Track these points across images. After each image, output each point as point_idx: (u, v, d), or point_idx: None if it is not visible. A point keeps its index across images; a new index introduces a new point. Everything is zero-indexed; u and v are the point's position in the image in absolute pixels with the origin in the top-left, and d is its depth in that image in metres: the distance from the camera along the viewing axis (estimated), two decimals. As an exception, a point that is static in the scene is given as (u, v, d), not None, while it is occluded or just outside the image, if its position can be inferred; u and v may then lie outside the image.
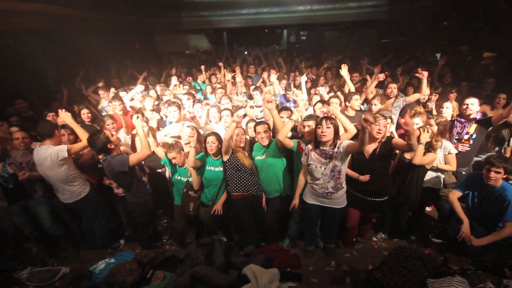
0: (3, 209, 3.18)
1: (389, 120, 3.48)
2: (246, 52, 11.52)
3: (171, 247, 3.62)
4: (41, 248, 3.36)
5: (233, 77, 5.80)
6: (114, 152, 2.99)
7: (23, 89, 5.88)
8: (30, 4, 5.75)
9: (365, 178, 2.81)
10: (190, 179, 3.20)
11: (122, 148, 3.41)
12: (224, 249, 2.49)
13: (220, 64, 6.89)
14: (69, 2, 6.84)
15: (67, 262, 3.10)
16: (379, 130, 2.70)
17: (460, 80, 5.90)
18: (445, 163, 3.22)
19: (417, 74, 4.13)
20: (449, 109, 3.87)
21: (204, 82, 6.49)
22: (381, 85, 5.02)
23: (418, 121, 3.39)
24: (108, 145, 2.90)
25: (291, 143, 2.97)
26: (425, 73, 4.04)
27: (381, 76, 4.45)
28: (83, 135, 3.08)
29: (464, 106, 3.50)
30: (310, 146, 2.74)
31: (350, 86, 4.61)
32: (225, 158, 3.08)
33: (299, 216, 3.30)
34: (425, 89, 4.18)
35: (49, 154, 2.93)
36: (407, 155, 3.08)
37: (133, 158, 2.93)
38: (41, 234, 3.37)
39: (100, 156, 3.32)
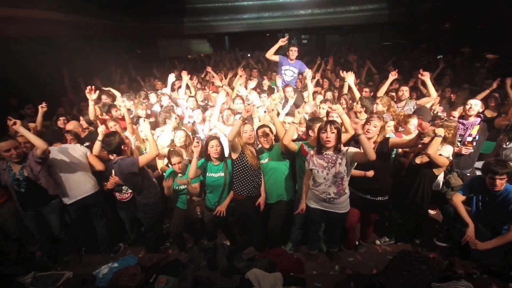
0: (19, 211, 3.22)
1: (391, 122, 3.51)
2: (249, 55, 11.59)
3: (174, 252, 3.62)
4: (45, 252, 3.37)
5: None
6: (125, 155, 3.06)
7: (27, 94, 5.95)
8: (33, 10, 5.83)
9: (371, 173, 2.83)
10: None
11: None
12: (227, 253, 2.48)
13: (208, 69, 6.88)
14: (72, 9, 6.92)
15: (71, 266, 3.10)
16: (368, 129, 2.75)
17: (461, 82, 5.92)
18: None
19: (420, 77, 4.11)
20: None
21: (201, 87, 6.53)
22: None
23: (415, 122, 3.39)
24: (122, 146, 2.99)
25: (295, 146, 2.97)
26: (427, 74, 4.00)
27: (394, 73, 4.41)
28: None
29: (468, 106, 3.50)
30: (312, 151, 2.74)
31: (356, 94, 4.59)
32: (234, 156, 3.05)
33: (301, 221, 3.29)
34: (433, 92, 4.09)
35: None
36: (418, 160, 3.08)
37: (142, 159, 3.00)
38: (47, 239, 3.40)
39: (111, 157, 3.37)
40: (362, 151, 2.45)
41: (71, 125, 3.91)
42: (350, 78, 4.46)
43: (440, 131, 2.77)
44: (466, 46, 8.47)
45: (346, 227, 3.13)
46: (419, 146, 2.94)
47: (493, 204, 2.65)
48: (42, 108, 4.03)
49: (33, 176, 3.02)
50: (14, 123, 2.89)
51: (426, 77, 4.00)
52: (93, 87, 3.88)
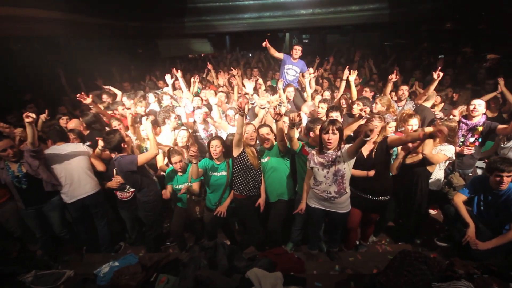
0: (20, 210, 3.24)
1: (393, 123, 3.50)
2: (250, 55, 11.58)
3: (175, 251, 3.63)
4: (46, 251, 3.38)
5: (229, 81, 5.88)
6: (125, 152, 3.09)
7: (28, 93, 5.96)
8: (34, 10, 5.83)
9: (372, 173, 2.82)
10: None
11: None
12: (228, 252, 2.48)
13: (218, 74, 6.88)
14: (73, 8, 6.93)
15: (72, 265, 3.11)
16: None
17: (462, 82, 5.90)
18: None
19: (434, 75, 3.96)
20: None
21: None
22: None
23: (415, 122, 3.38)
24: (122, 144, 3.04)
25: (297, 144, 2.98)
26: (441, 74, 3.93)
27: (394, 75, 4.36)
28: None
29: (471, 107, 3.47)
30: (314, 151, 2.74)
31: (353, 93, 4.57)
32: (236, 153, 3.03)
33: (302, 221, 3.29)
34: (431, 90, 4.08)
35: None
36: (408, 160, 3.08)
37: (141, 158, 3.03)
38: (48, 237, 3.41)
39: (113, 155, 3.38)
40: (352, 145, 2.47)
41: (72, 123, 3.93)
42: (352, 75, 4.36)
43: (429, 130, 2.77)
44: (467, 46, 8.45)
45: (348, 228, 3.12)
46: (410, 146, 2.95)
47: (496, 204, 2.64)
48: (43, 115, 4.09)
49: (33, 171, 3.05)
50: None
51: (439, 78, 3.93)
52: (83, 93, 4.06)
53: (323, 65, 7.83)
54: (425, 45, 9.96)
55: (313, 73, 5.05)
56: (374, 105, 3.85)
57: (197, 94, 5.37)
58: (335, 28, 11.97)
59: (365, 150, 2.80)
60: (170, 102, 4.88)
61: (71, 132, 3.57)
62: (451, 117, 3.64)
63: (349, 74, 4.39)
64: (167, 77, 5.36)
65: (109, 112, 4.46)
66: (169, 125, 3.92)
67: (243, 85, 4.66)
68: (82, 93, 4.08)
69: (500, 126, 3.38)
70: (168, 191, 3.29)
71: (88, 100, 3.98)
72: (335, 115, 3.42)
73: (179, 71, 5.14)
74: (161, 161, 3.68)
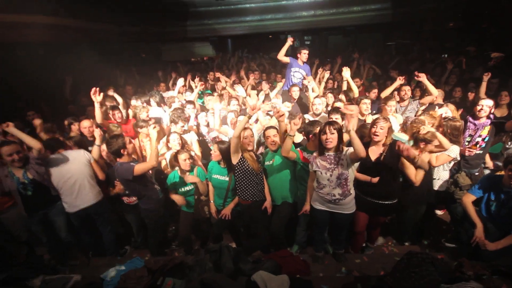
0: (23, 217, 3.22)
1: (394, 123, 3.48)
2: (250, 57, 11.61)
3: (180, 254, 3.63)
4: (54, 256, 3.40)
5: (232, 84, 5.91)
6: (125, 159, 3.04)
7: (34, 100, 6.03)
8: (39, 16, 5.92)
9: (376, 180, 2.78)
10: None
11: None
12: (233, 255, 2.47)
13: (217, 74, 6.92)
14: (77, 14, 7.02)
15: (79, 269, 3.13)
16: (376, 132, 2.69)
17: (466, 81, 5.85)
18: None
19: (416, 78, 4.10)
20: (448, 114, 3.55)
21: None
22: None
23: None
24: (122, 150, 2.98)
25: (294, 155, 2.97)
26: (422, 75, 4.00)
27: (401, 79, 4.43)
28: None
29: (479, 107, 3.44)
30: (315, 154, 2.73)
31: (354, 89, 4.59)
32: (235, 160, 3.00)
33: (307, 223, 3.28)
34: (434, 90, 4.08)
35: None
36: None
37: (138, 168, 2.93)
38: (55, 242, 3.41)
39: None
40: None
41: (86, 123, 3.88)
42: (346, 72, 4.55)
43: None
44: (470, 45, 8.39)
45: (355, 231, 3.11)
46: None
47: (509, 204, 2.59)
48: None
49: (40, 177, 3.06)
50: (7, 126, 2.97)
51: (423, 78, 3.98)
52: (97, 89, 3.81)
53: (327, 67, 7.82)
54: (428, 45, 9.91)
55: (316, 78, 5.10)
56: (387, 107, 3.85)
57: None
58: (337, 29, 11.96)
59: (373, 154, 2.76)
60: (179, 104, 4.86)
61: (69, 140, 3.47)
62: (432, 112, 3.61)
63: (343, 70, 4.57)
64: (180, 81, 5.41)
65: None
66: (175, 128, 3.90)
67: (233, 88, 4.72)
68: (97, 88, 3.84)
69: (510, 122, 3.35)
70: (178, 197, 3.31)
71: (98, 98, 3.79)
72: (335, 117, 3.43)
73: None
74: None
